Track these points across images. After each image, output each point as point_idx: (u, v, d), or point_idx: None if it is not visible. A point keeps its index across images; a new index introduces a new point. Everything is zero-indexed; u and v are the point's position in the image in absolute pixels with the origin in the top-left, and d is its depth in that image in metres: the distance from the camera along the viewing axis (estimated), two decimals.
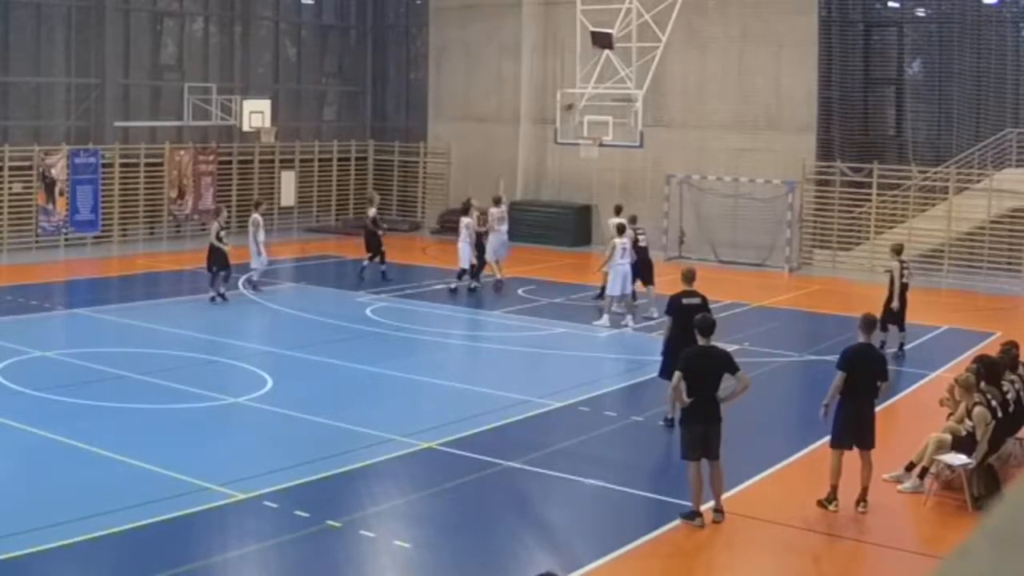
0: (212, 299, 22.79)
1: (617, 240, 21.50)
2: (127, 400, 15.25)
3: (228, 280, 23.09)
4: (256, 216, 24.32)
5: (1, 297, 22.77)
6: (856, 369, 11.77)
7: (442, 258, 28.53)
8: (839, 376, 11.79)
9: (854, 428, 11.75)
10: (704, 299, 14.63)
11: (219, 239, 22.84)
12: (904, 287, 19.28)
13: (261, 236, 24.12)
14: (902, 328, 19.27)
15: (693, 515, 11.14)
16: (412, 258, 29.71)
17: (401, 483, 12.59)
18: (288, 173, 35.46)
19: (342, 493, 12.11)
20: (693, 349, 11.64)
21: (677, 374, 11.40)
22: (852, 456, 11.82)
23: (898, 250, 19.74)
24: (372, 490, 12.32)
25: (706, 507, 11.29)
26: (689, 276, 14.99)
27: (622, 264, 21.21)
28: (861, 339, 12.18)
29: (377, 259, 26.11)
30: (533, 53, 34.82)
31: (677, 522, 11.15)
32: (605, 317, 21.46)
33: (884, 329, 18.67)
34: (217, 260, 22.76)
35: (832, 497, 11.65)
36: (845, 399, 11.77)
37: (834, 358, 18.45)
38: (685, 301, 14.41)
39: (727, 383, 11.52)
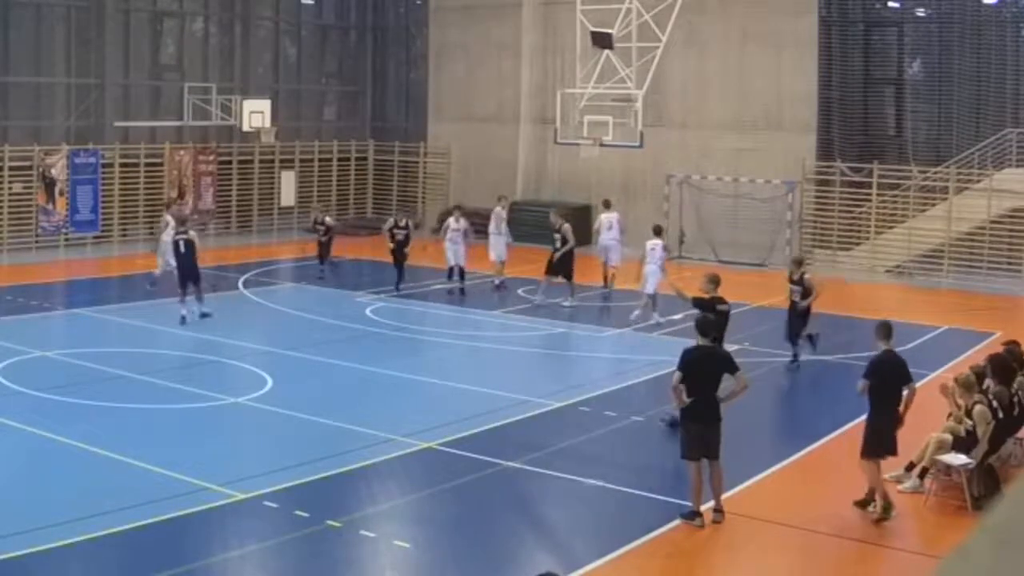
0: (204, 316, 20.39)
1: (649, 242, 21.73)
2: (127, 400, 15.25)
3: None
4: (168, 217, 23.29)
5: (1, 297, 22.76)
6: (881, 377, 11.61)
7: (442, 258, 28.50)
8: (863, 383, 11.65)
9: (884, 437, 11.57)
10: (729, 308, 14.69)
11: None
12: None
13: (167, 237, 21.90)
14: (795, 341, 18.41)
15: (693, 515, 11.15)
16: (412, 258, 29.64)
17: (401, 483, 12.59)
18: (288, 173, 35.45)
19: (342, 493, 12.11)
20: (693, 349, 11.62)
21: (677, 374, 11.37)
22: (850, 458, 11.82)
23: (800, 261, 19.01)
24: (372, 490, 12.32)
25: (706, 507, 11.30)
26: (716, 281, 14.89)
27: (654, 267, 21.32)
28: (881, 347, 11.97)
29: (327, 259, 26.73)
30: (533, 53, 34.81)
31: (677, 522, 11.15)
32: (636, 312, 21.41)
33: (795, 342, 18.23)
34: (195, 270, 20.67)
35: (886, 504, 11.46)
36: (874, 409, 11.60)
37: (834, 358, 18.54)
38: (719, 308, 14.32)
39: (727, 383, 11.53)
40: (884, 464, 12.09)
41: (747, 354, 18.08)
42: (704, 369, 11.32)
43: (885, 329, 12.02)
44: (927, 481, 12.25)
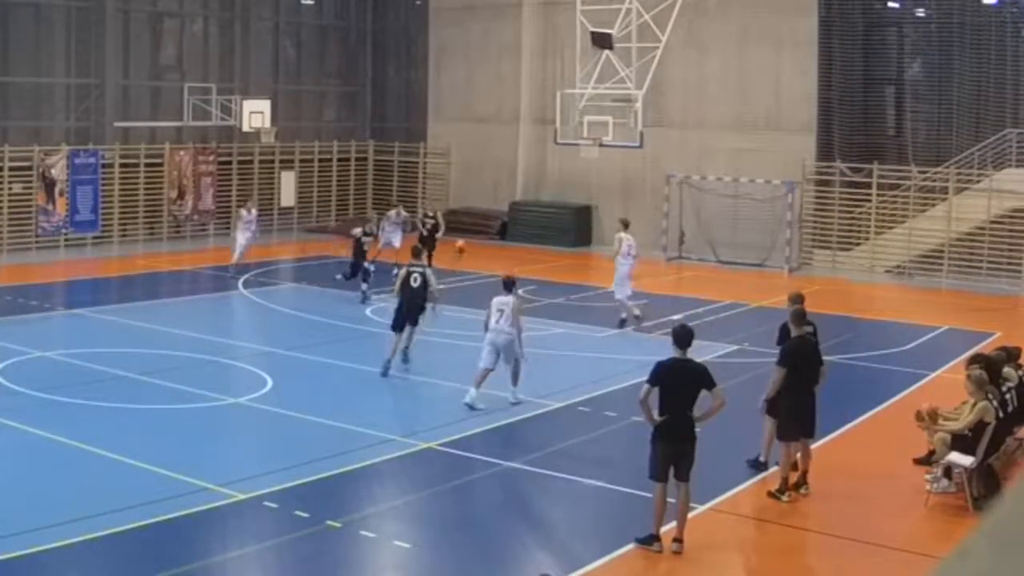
0: None
1: (626, 236, 21.56)
2: (127, 400, 15.24)
3: None
4: None
5: (1, 297, 22.76)
6: (799, 361, 11.93)
7: (441, 259, 28.51)
8: (780, 372, 11.91)
9: (803, 419, 11.94)
10: (815, 328, 13.11)
11: None
12: None
13: None
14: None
15: (652, 539, 10.52)
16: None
17: (401, 483, 12.59)
18: (288, 173, 35.45)
19: (342, 493, 12.11)
20: (668, 362, 10.72)
21: (646, 387, 10.55)
22: (849, 458, 11.80)
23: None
24: (372, 490, 12.32)
25: (667, 529, 10.69)
26: (800, 312, 12.71)
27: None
28: (794, 332, 12.29)
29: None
30: (533, 53, 34.82)
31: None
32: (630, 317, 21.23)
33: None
34: None
35: (784, 488, 11.88)
36: (789, 392, 11.93)
37: (834, 358, 18.47)
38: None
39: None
40: (890, 462, 12.08)
41: (746, 354, 18.08)
42: (679, 384, 10.51)
43: (800, 316, 12.43)
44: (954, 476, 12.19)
